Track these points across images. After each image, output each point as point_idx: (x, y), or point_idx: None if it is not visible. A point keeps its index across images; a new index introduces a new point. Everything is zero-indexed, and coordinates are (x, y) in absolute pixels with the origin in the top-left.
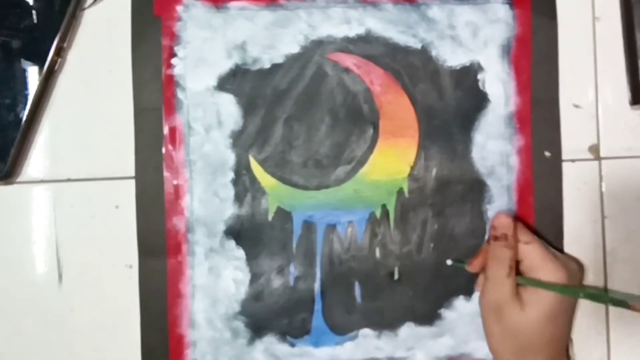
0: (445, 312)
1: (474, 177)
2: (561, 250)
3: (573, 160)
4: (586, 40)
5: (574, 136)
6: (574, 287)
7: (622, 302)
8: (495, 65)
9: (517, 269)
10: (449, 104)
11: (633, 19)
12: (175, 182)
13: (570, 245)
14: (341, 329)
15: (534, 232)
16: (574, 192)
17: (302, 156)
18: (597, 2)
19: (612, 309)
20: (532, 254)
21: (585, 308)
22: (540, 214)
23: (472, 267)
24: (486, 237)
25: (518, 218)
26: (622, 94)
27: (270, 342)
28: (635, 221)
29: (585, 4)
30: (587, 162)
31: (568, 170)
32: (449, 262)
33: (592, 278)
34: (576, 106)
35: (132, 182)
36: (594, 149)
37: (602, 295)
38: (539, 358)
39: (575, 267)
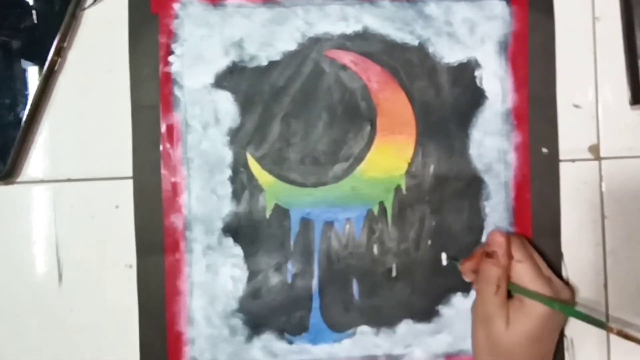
0: (443, 309)
1: (471, 174)
2: (560, 275)
3: (573, 160)
4: (586, 40)
5: (573, 136)
6: (563, 303)
7: (600, 322)
8: (492, 62)
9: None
10: (446, 101)
11: (633, 19)
12: (172, 180)
13: (570, 245)
14: (339, 326)
15: (532, 231)
16: (574, 192)
17: (299, 153)
18: (597, 2)
19: (611, 309)
20: (523, 273)
21: (584, 308)
22: (538, 210)
23: (464, 268)
24: (483, 236)
25: (519, 235)
26: (622, 94)
27: (268, 339)
28: (635, 221)
29: (585, 4)
30: (587, 162)
31: (568, 170)
32: (444, 260)
33: (592, 278)
34: (576, 106)
35: (132, 182)
36: (594, 149)
37: (584, 315)
38: None
39: (568, 295)
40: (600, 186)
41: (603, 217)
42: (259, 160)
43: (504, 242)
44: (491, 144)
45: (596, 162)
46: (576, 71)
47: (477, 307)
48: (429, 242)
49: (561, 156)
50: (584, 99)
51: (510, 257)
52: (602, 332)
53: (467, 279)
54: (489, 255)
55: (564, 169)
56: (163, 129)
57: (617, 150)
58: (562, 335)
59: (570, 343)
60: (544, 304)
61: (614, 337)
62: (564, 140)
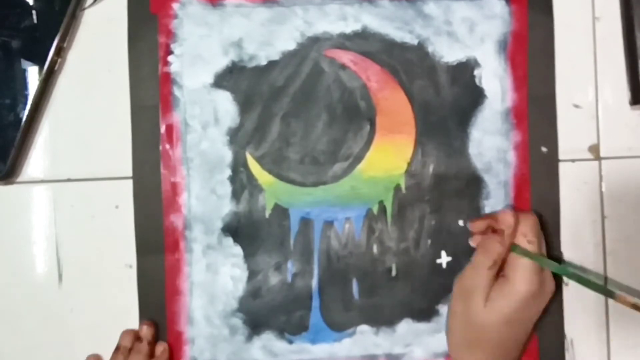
0: (442, 308)
1: (470, 173)
2: (559, 260)
3: (573, 160)
4: (586, 40)
5: (574, 136)
6: (563, 266)
7: (608, 291)
8: (491, 61)
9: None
10: (445, 100)
11: (633, 19)
12: (172, 180)
13: (570, 245)
14: (339, 326)
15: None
16: (574, 192)
17: (299, 153)
18: (597, 2)
19: (612, 309)
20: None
21: (585, 307)
22: (537, 209)
23: (473, 226)
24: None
25: (533, 215)
26: (622, 94)
27: (268, 339)
28: (635, 221)
29: (585, 4)
30: (587, 162)
31: (568, 170)
32: (460, 222)
33: (592, 278)
34: (576, 106)
35: (132, 182)
36: (594, 149)
37: (591, 282)
38: (486, 355)
39: (551, 287)
40: (600, 186)
41: (603, 217)
42: (259, 159)
43: (513, 224)
44: (491, 143)
45: (596, 162)
46: (576, 71)
47: (464, 279)
48: (429, 241)
49: (561, 156)
50: (584, 99)
51: (513, 239)
52: (602, 332)
53: (473, 242)
54: (495, 231)
55: (564, 169)
56: (163, 128)
57: (617, 150)
58: (562, 334)
59: (570, 343)
60: (550, 267)
61: (614, 337)
62: (564, 140)
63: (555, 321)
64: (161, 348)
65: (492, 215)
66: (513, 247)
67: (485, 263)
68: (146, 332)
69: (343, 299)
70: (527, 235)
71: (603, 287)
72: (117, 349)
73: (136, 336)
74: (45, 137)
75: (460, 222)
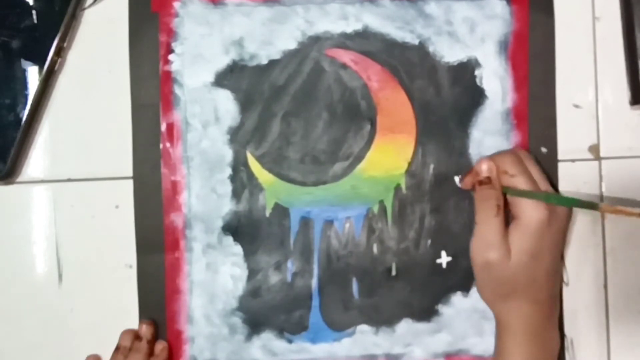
0: (442, 308)
1: None
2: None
3: (573, 160)
4: (586, 40)
5: (574, 136)
6: (547, 195)
7: (592, 204)
8: (492, 61)
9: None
10: (446, 100)
11: (633, 19)
12: (172, 179)
13: (570, 245)
14: (338, 325)
15: None
16: (574, 192)
17: (299, 152)
18: (597, 2)
19: (612, 309)
20: (517, 187)
21: (585, 307)
22: None
23: (464, 184)
24: None
25: (513, 149)
26: (622, 94)
27: (267, 338)
28: (635, 221)
29: (585, 4)
30: (587, 162)
31: (568, 170)
32: (457, 180)
33: (592, 278)
34: (576, 106)
35: (132, 181)
36: (594, 149)
37: (572, 199)
38: (522, 299)
39: (564, 211)
40: (600, 186)
41: (603, 217)
42: (259, 159)
43: (493, 166)
44: (491, 143)
45: (596, 162)
46: (576, 71)
47: (478, 240)
48: (429, 241)
49: (561, 156)
50: (584, 99)
51: (500, 181)
52: (602, 332)
53: (464, 187)
54: (482, 183)
55: (564, 169)
56: (163, 127)
57: (617, 150)
58: (562, 334)
59: (570, 343)
60: (539, 199)
61: (614, 337)
62: (564, 140)
63: None
64: (160, 346)
65: (471, 171)
66: (505, 190)
67: (489, 213)
68: (145, 330)
69: (343, 299)
70: (508, 171)
71: (586, 201)
72: (117, 349)
73: (136, 336)
74: (45, 137)
75: (457, 180)
